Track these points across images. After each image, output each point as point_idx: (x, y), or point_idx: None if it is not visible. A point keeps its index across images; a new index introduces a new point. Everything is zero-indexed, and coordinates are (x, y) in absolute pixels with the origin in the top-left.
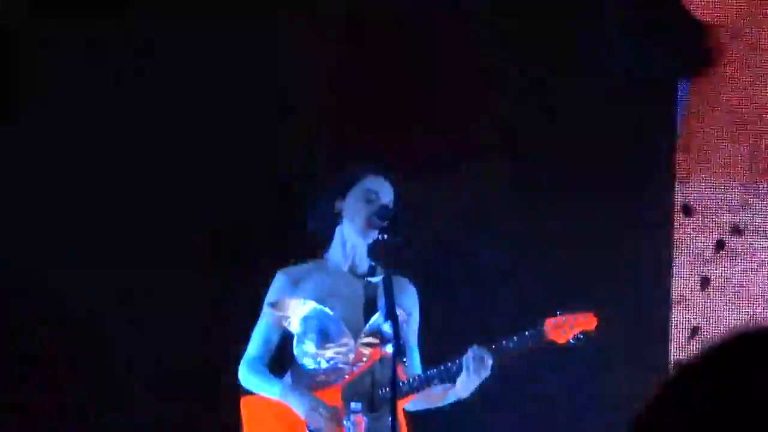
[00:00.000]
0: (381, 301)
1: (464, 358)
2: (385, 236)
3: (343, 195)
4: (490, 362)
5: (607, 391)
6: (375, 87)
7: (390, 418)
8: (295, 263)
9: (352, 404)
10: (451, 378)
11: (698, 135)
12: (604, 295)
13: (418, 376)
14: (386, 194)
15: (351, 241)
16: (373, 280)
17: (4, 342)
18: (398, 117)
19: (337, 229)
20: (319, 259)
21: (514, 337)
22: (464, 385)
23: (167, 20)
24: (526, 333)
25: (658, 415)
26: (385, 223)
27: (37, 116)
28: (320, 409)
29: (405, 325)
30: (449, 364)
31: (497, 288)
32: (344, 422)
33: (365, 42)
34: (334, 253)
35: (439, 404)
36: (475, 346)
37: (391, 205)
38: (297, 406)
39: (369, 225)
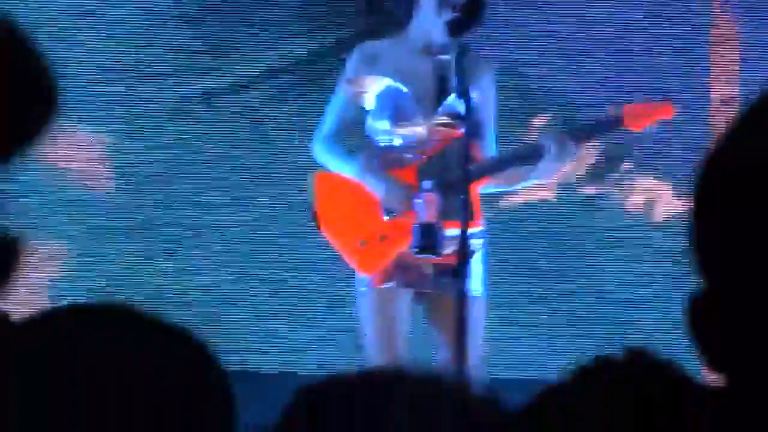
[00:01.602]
0: (454, 80)
1: (545, 142)
2: (458, 14)
3: None
4: (572, 147)
5: None
6: None
7: (462, 198)
8: (374, 39)
9: (424, 183)
10: (527, 162)
11: None
12: None
13: (493, 157)
14: None
15: (427, 19)
16: (446, 57)
17: None
18: None
19: (415, 7)
20: (397, 36)
21: (593, 122)
22: (545, 169)
23: None
24: (604, 118)
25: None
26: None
27: None
28: (397, 191)
29: (481, 105)
30: (526, 146)
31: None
32: (415, 201)
33: None
34: (412, 31)
35: (517, 186)
36: (556, 130)
37: None
38: (374, 187)
39: (441, 2)
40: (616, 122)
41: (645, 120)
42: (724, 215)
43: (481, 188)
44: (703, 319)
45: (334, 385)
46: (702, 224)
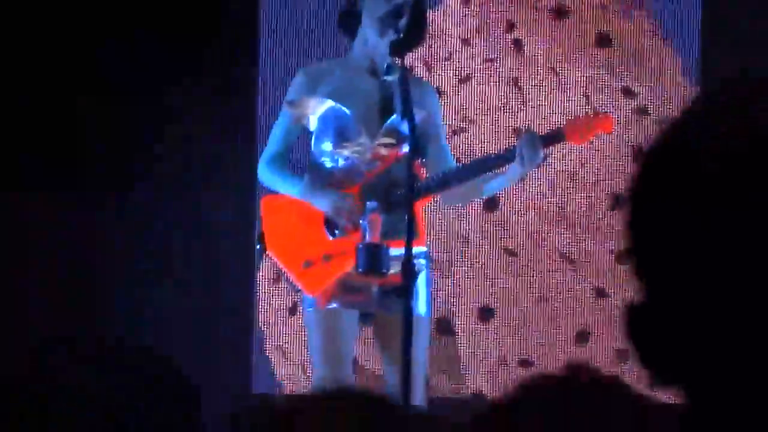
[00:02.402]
0: (397, 101)
1: (518, 145)
2: (401, 35)
3: None
4: (542, 150)
5: None
6: None
7: (407, 217)
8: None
9: (368, 203)
10: (472, 176)
11: None
12: None
13: (436, 175)
14: None
15: (370, 41)
16: (389, 78)
17: None
18: None
19: (359, 29)
20: (342, 58)
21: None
22: (514, 174)
23: None
24: (548, 132)
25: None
26: (402, 21)
27: None
28: (344, 203)
29: (425, 124)
30: (465, 165)
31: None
32: (360, 221)
33: None
34: (356, 52)
35: (479, 197)
36: (528, 133)
37: (410, 5)
38: (320, 203)
39: (384, 24)
40: (559, 136)
41: (586, 133)
42: (659, 213)
43: (444, 200)
44: (643, 328)
45: (277, 404)
46: (636, 223)
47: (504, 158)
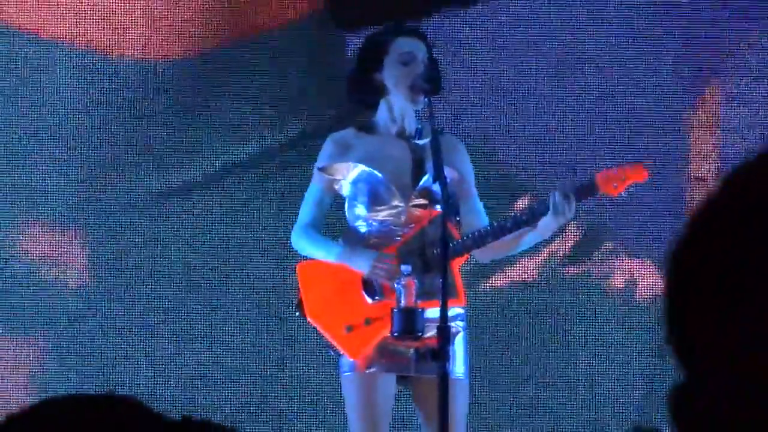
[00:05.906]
0: (429, 163)
1: (551, 198)
2: (431, 98)
3: (379, 67)
4: (574, 204)
5: None
6: None
7: (441, 279)
8: (343, 129)
9: (403, 267)
10: (507, 232)
11: None
12: None
13: (471, 234)
14: (421, 52)
15: (398, 108)
16: (421, 142)
17: None
18: None
19: (382, 100)
20: (366, 124)
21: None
22: (547, 227)
23: None
24: (579, 184)
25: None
26: (430, 84)
27: None
28: (383, 262)
29: (457, 183)
30: (500, 221)
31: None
32: (395, 285)
33: None
34: (382, 118)
35: (516, 251)
36: (560, 184)
37: (428, 62)
38: (358, 264)
39: (415, 90)
40: (591, 188)
41: (620, 184)
42: (697, 303)
43: (478, 258)
44: (686, 409)
45: None
46: (675, 311)
47: (538, 212)
